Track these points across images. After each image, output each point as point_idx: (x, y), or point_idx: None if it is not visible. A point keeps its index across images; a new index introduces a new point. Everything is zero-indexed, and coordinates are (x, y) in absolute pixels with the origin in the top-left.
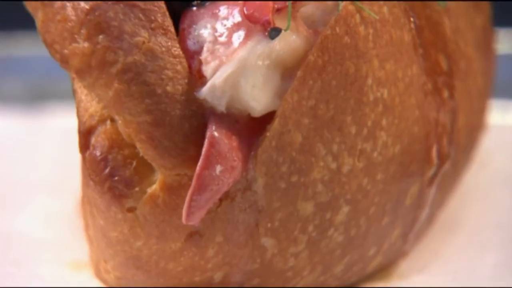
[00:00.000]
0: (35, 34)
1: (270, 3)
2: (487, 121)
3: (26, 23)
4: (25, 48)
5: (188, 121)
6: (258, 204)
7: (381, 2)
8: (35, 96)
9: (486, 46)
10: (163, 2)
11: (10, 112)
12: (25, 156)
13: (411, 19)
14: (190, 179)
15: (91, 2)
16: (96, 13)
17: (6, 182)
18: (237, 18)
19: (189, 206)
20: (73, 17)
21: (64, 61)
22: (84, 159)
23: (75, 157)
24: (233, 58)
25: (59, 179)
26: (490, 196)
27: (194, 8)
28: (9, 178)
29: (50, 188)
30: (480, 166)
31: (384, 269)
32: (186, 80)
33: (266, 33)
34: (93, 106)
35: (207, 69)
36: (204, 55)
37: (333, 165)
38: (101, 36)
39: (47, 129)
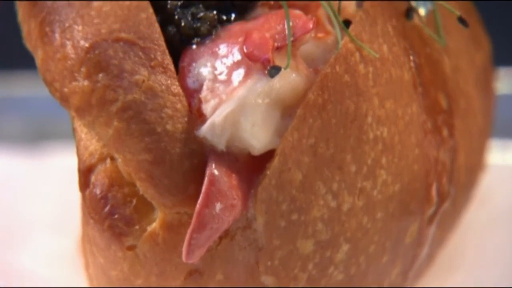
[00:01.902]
0: (35, 73)
1: (270, 41)
2: (487, 160)
3: (26, 62)
4: (25, 88)
5: (188, 159)
6: (258, 242)
7: (381, 41)
8: (36, 135)
9: (486, 84)
10: (162, 40)
11: (10, 151)
12: (26, 195)
13: (411, 57)
14: (190, 217)
15: (91, 40)
16: (96, 52)
17: (7, 220)
18: (237, 56)
19: (189, 244)
20: (73, 56)
21: (64, 99)
22: (84, 197)
23: (76, 196)
24: (233, 96)
25: (59, 217)
26: (490, 235)
27: (194, 46)
28: (11, 217)
29: (51, 226)
30: (480, 205)
31: None
32: (186, 119)
33: (266, 71)
34: (93, 144)
35: (207, 108)
36: (204, 93)
37: (333, 204)
38: (101, 75)
39: (47, 168)
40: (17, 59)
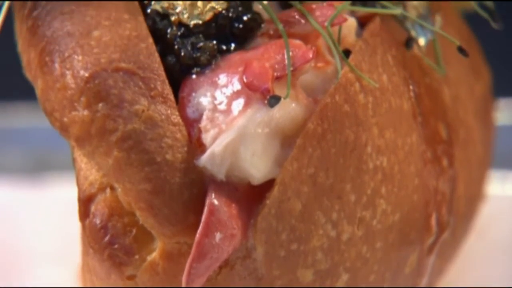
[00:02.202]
0: (34, 104)
1: (270, 71)
2: (487, 191)
3: (25, 94)
4: (25, 119)
5: (187, 189)
6: (258, 272)
7: (381, 70)
8: (36, 166)
9: (486, 115)
10: (162, 70)
11: (10, 182)
12: (26, 226)
13: (411, 87)
14: (190, 247)
15: (90, 70)
16: (96, 81)
17: (7, 251)
18: (237, 86)
19: (189, 274)
20: (73, 85)
21: (63, 129)
22: (84, 227)
23: (76, 227)
24: (232, 126)
25: (59, 248)
26: (489, 265)
27: (194, 76)
28: (11, 248)
29: (51, 257)
30: (479, 235)
31: None
32: (185, 148)
33: (266, 101)
34: (92, 174)
35: (206, 137)
36: (204, 123)
37: (333, 233)
38: (100, 104)
39: (47, 200)
40: (17, 90)
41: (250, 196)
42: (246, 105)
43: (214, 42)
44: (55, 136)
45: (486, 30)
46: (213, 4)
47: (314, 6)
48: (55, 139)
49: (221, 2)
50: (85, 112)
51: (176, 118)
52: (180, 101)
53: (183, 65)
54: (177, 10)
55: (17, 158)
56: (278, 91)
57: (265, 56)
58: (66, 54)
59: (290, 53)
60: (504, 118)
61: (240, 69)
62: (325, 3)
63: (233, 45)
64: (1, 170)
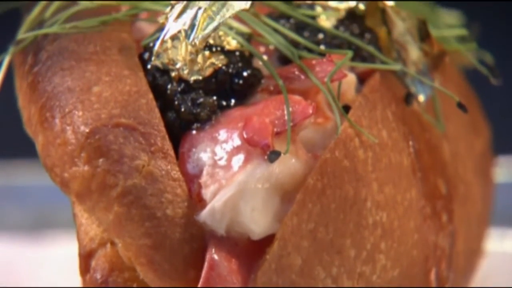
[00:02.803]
0: (34, 162)
1: (270, 126)
2: (486, 247)
3: (26, 151)
4: (25, 176)
5: (188, 244)
6: None
7: (380, 126)
8: (36, 224)
9: (485, 171)
10: (162, 125)
11: (11, 240)
12: (27, 283)
13: (410, 143)
14: None
15: (91, 126)
16: (96, 137)
17: None
18: (237, 141)
19: None
20: (73, 141)
21: (64, 184)
22: (84, 282)
23: (77, 283)
24: (232, 181)
25: None
26: None
27: (194, 132)
28: None
29: None
30: None
31: None
32: (185, 203)
33: (266, 157)
34: (93, 229)
35: (206, 193)
36: (204, 178)
37: None
38: (101, 160)
39: (48, 257)
40: (17, 147)
41: (250, 251)
42: (246, 160)
43: (214, 97)
44: (55, 193)
45: (485, 86)
46: (213, 59)
47: (313, 61)
48: (55, 196)
49: (221, 57)
50: (86, 168)
51: (176, 173)
52: (180, 157)
53: (183, 120)
54: (177, 66)
55: (18, 215)
56: (278, 146)
57: (265, 111)
58: (67, 110)
59: (290, 109)
60: (504, 175)
61: (240, 124)
62: (324, 59)
63: (233, 101)
64: (2, 227)
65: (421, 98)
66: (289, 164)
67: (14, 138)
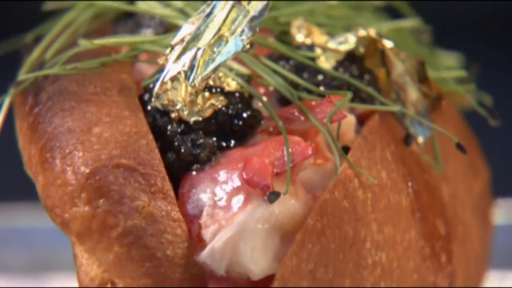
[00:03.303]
0: (35, 204)
1: (269, 167)
2: None
3: (26, 193)
4: (26, 219)
5: (188, 284)
6: None
7: (380, 167)
8: (37, 266)
9: (484, 212)
10: (162, 166)
11: (12, 282)
12: None
13: (409, 183)
14: None
15: (91, 166)
16: (97, 177)
17: None
18: (236, 182)
19: None
20: (74, 181)
21: (64, 225)
22: None
23: None
24: (232, 222)
25: None
26: None
27: (194, 173)
28: None
29: None
30: None
31: None
32: (185, 244)
33: (265, 197)
34: (93, 270)
35: (206, 233)
36: (204, 219)
37: None
38: (101, 200)
39: None
40: (17, 189)
41: None
42: (246, 201)
43: (214, 138)
44: (55, 234)
45: (484, 128)
46: (212, 101)
47: (313, 103)
48: (55, 237)
49: (220, 98)
50: (86, 208)
51: (176, 214)
52: (180, 197)
53: (183, 161)
54: (177, 107)
55: (18, 257)
56: (278, 187)
57: (264, 152)
58: (67, 151)
59: (290, 150)
60: (502, 217)
61: (240, 165)
62: (324, 100)
63: (233, 142)
64: (2, 268)
65: (420, 139)
66: (288, 205)
67: (15, 179)
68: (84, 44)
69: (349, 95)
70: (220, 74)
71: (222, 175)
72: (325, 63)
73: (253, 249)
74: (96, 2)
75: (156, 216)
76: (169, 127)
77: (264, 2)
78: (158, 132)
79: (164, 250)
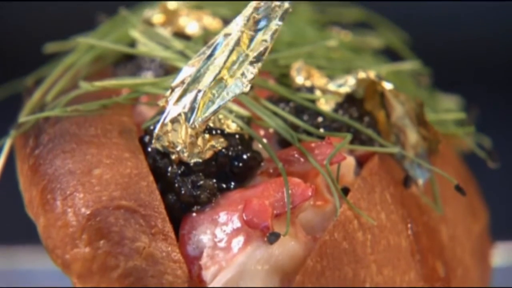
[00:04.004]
0: (37, 246)
1: (269, 209)
2: None
3: (27, 236)
4: (28, 261)
5: None
6: None
7: (379, 208)
8: None
9: (482, 254)
10: (163, 207)
11: None
12: None
13: (409, 225)
14: None
15: (92, 208)
16: (97, 219)
17: None
18: (237, 224)
19: None
20: (74, 223)
21: (65, 266)
22: None
23: None
24: (232, 263)
25: None
26: None
27: (194, 214)
28: None
29: None
30: None
31: None
32: (186, 285)
33: (265, 238)
34: None
35: (207, 274)
36: (204, 260)
37: None
38: (102, 242)
39: None
40: (18, 232)
41: None
42: (246, 242)
43: (214, 180)
44: (57, 276)
45: (484, 170)
46: (213, 142)
47: (313, 144)
48: (57, 279)
49: (221, 140)
50: (87, 250)
51: (176, 255)
52: (180, 239)
53: (184, 203)
54: (178, 149)
55: None
56: (278, 228)
57: (264, 194)
58: (68, 192)
59: (290, 191)
60: (501, 260)
61: (240, 207)
62: (324, 142)
63: (233, 183)
64: None
65: (420, 181)
66: (288, 246)
67: (16, 221)
68: (85, 86)
69: (349, 137)
70: (220, 116)
71: (222, 216)
72: (325, 105)
73: None
74: (97, 44)
75: (157, 257)
76: (169, 169)
77: (264, 45)
78: (159, 174)
79: None
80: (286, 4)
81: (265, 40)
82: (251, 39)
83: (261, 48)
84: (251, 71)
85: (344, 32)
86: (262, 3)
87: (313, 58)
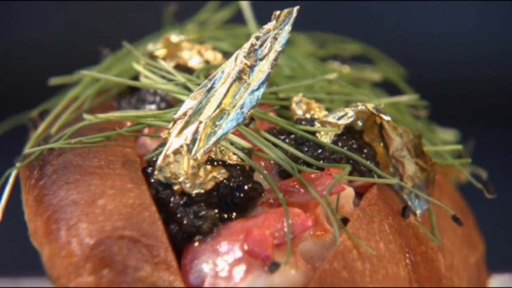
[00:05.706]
0: (41, 276)
1: (270, 238)
2: None
3: (32, 266)
4: None
5: None
6: None
7: (378, 238)
8: None
9: (479, 285)
10: (165, 237)
11: None
12: None
13: (407, 255)
14: None
15: (95, 238)
16: (101, 248)
17: None
18: (238, 253)
19: None
20: (78, 252)
21: None
22: None
23: None
24: None
25: None
26: None
27: (196, 244)
28: None
29: None
30: None
31: None
32: None
33: (266, 268)
34: None
35: None
36: None
37: None
38: (105, 271)
39: None
40: (23, 262)
41: None
42: (247, 271)
43: (216, 210)
44: None
45: (480, 201)
46: (214, 173)
47: (313, 175)
48: None
49: (222, 171)
50: (90, 279)
51: (179, 284)
52: (182, 268)
53: (186, 233)
54: (180, 180)
55: None
56: (278, 257)
57: (265, 224)
58: (72, 222)
59: (290, 221)
60: None
61: (241, 237)
62: (323, 173)
63: (234, 214)
64: None
65: (418, 211)
66: (288, 275)
67: (20, 252)
68: (89, 118)
69: (348, 168)
70: (222, 147)
71: (224, 246)
72: (325, 137)
73: None
74: (101, 77)
75: (160, 286)
76: (172, 199)
77: (265, 74)
78: (161, 204)
79: None
80: (286, 33)
81: (266, 68)
82: (251, 69)
83: (262, 78)
84: (252, 100)
85: (343, 66)
86: (261, 34)
87: (312, 91)
